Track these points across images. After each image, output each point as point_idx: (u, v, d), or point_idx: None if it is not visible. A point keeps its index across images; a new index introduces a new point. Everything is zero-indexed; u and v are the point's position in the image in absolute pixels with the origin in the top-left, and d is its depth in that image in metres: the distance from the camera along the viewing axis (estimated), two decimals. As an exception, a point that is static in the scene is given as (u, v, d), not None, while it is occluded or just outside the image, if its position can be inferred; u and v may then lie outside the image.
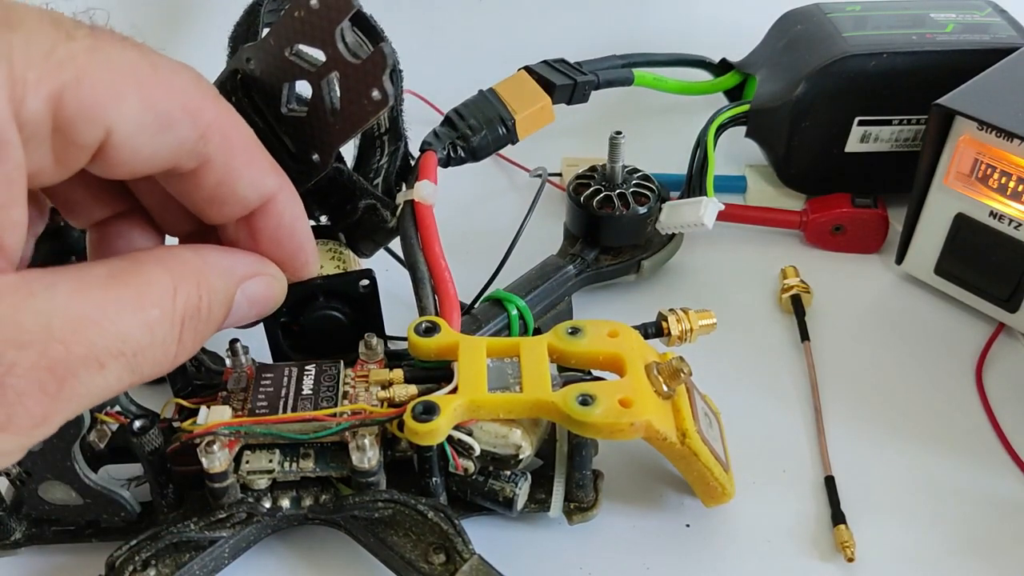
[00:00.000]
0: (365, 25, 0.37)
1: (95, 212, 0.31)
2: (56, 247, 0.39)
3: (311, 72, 0.34)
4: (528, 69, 0.49)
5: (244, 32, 0.40)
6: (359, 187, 0.41)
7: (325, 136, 0.35)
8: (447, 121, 0.45)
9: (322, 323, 0.38)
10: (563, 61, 0.51)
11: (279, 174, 0.31)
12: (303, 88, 0.36)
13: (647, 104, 0.62)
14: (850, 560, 0.35)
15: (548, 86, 0.48)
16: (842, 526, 0.36)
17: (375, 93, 0.33)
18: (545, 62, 0.50)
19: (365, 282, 0.38)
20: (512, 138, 0.45)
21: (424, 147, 0.43)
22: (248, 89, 0.36)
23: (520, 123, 0.45)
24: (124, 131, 0.25)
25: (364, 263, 0.45)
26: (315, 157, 0.36)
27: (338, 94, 0.34)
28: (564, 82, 0.48)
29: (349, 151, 0.43)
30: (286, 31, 0.34)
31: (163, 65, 0.26)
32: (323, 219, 0.44)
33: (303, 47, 0.35)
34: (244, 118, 0.36)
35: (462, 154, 0.44)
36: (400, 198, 0.40)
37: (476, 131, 0.44)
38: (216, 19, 0.43)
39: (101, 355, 0.23)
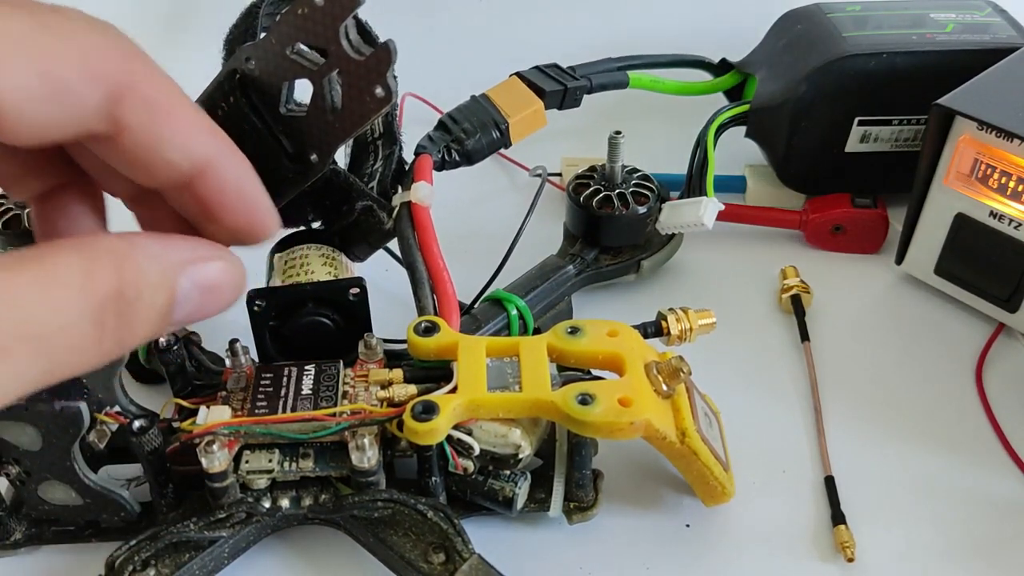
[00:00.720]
0: (361, 30, 0.37)
1: (32, 184, 0.31)
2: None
3: (312, 71, 0.34)
4: (519, 75, 0.49)
5: (241, 34, 0.40)
6: (356, 188, 0.41)
7: (324, 135, 0.35)
8: (441, 125, 0.46)
9: (311, 329, 0.38)
10: (555, 66, 0.51)
11: (214, 136, 0.30)
12: (302, 89, 0.36)
13: (647, 104, 0.62)
14: (850, 560, 0.35)
15: (539, 92, 0.48)
16: (842, 526, 0.36)
17: (378, 90, 0.33)
18: (537, 68, 0.50)
19: (355, 290, 0.38)
20: (506, 141, 0.46)
21: (419, 151, 0.43)
22: (246, 89, 0.36)
23: (513, 127, 0.46)
24: (10, 100, 0.24)
25: (360, 266, 0.45)
26: (313, 157, 0.36)
27: (339, 92, 0.34)
28: (554, 88, 0.48)
29: (342, 157, 0.43)
30: (288, 29, 0.34)
31: (62, 28, 0.25)
32: (316, 224, 0.44)
33: (304, 46, 0.35)
34: (241, 119, 0.36)
35: (456, 157, 0.44)
36: (396, 200, 0.40)
37: (470, 135, 0.44)
38: (214, 21, 0.43)
39: (4, 339, 0.22)
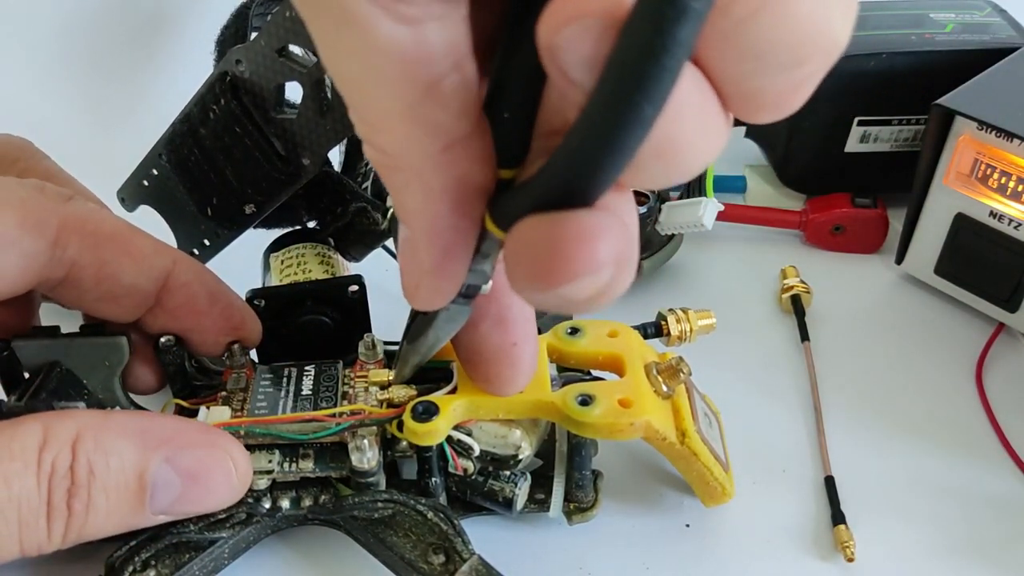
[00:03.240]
0: None
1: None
2: None
3: (303, 73, 0.34)
4: None
5: (232, 35, 0.40)
6: (349, 190, 0.41)
7: (315, 138, 0.35)
8: None
9: (310, 328, 0.38)
10: None
11: (166, 249, 0.31)
12: (294, 91, 0.36)
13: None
14: (850, 560, 0.35)
15: None
16: (842, 526, 0.36)
17: None
18: None
19: (354, 288, 0.38)
20: None
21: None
22: (237, 92, 0.36)
23: None
24: None
25: (358, 266, 0.45)
26: (305, 160, 0.36)
27: (329, 96, 0.34)
28: None
29: (335, 156, 0.43)
30: (277, 31, 0.34)
31: None
32: (311, 224, 0.44)
33: (294, 48, 0.35)
34: (233, 122, 0.36)
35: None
36: (391, 200, 0.40)
37: None
38: (205, 22, 0.43)
39: None
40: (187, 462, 0.27)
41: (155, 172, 0.41)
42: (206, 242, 0.41)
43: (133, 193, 0.42)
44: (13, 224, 0.27)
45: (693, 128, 0.17)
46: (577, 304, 0.19)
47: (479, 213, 0.21)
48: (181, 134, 0.39)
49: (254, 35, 0.36)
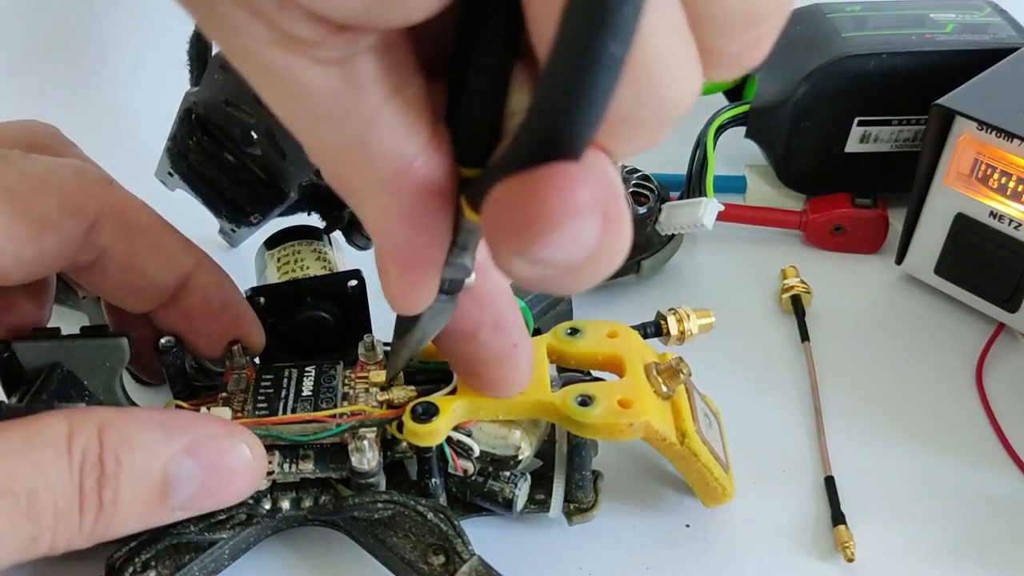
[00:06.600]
0: None
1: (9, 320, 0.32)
2: None
3: (250, 123, 0.34)
4: None
5: (195, 55, 0.40)
6: (340, 197, 0.41)
7: (283, 172, 0.35)
8: None
9: (310, 325, 0.38)
10: None
11: (191, 247, 0.31)
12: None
13: (647, 104, 0.62)
14: (850, 560, 0.35)
15: None
16: (842, 526, 0.36)
17: None
18: None
19: (353, 282, 0.38)
20: None
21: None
22: (207, 127, 0.36)
23: None
24: (1, 244, 0.24)
25: (358, 266, 0.45)
26: (283, 186, 0.36)
27: (281, 144, 0.34)
28: None
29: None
30: (214, 86, 0.34)
31: (33, 171, 0.27)
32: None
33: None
34: (212, 152, 0.36)
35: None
36: None
37: None
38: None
39: None
40: (208, 453, 0.26)
41: (171, 174, 0.41)
42: (232, 230, 0.42)
43: (165, 179, 0.43)
44: (55, 206, 0.27)
45: (674, 66, 0.17)
46: (569, 273, 0.18)
47: (443, 222, 0.21)
48: (174, 155, 0.39)
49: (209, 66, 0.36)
